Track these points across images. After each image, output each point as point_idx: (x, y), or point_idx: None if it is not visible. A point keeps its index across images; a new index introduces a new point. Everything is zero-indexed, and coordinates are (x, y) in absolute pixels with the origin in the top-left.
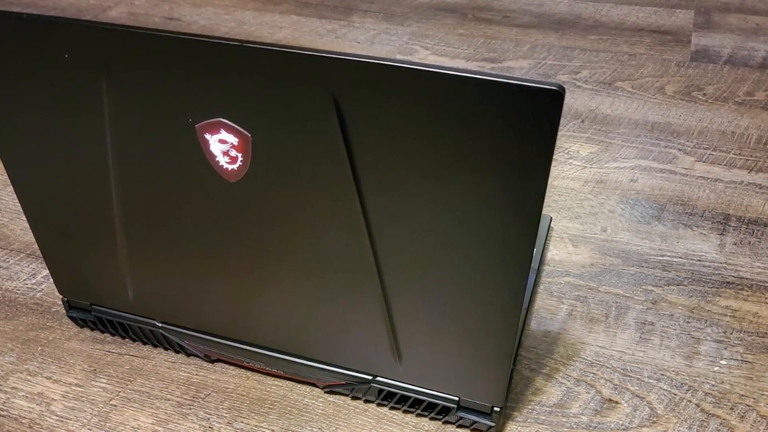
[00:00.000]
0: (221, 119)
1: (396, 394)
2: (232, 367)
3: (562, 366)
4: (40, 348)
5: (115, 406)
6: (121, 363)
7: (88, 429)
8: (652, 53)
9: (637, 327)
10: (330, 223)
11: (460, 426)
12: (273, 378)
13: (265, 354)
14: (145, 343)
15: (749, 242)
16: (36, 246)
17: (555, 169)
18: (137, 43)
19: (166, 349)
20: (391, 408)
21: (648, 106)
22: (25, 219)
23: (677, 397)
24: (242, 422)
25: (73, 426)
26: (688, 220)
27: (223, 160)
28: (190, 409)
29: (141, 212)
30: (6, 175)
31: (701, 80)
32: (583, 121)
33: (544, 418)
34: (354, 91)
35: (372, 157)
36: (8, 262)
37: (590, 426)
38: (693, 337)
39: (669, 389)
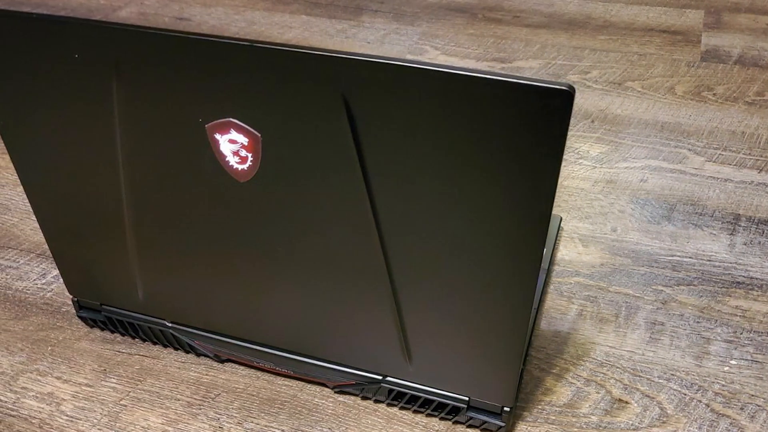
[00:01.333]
0: (231, 119)
1: (406, 394)
2: (242, 367)
3: (572, 366)
4: (50, 348)
5: (125, 406)
6: (131, 363)
7: (98, 429)
8: (662, 53)
9: (647, 327)
10: (340, 223)
11: (470, 426)
12: (283, 378)
13: (275, 354)
14: (155, 343)
15: (759, 242)
16: (46, 246)
17: (565, 169)
18: (147, 43)
19: (176, 349)
20: (401, 408)
21: (658, 106)
22: (35, 219)
23: (687, 397)
24: (252, 422)
25: (83, 426)
26: (698, 220)
27: (233, 160)
28: (200, 409)
29: (151, 212)
30: (16, 174)
31: (711, 80)
32: (593, 121)
33: (554, 418)
34: (364, 91)
35: (382, 157)
36: (18, 262)
37: (600, 426)
38: (703, 337)
39: (679, 389)
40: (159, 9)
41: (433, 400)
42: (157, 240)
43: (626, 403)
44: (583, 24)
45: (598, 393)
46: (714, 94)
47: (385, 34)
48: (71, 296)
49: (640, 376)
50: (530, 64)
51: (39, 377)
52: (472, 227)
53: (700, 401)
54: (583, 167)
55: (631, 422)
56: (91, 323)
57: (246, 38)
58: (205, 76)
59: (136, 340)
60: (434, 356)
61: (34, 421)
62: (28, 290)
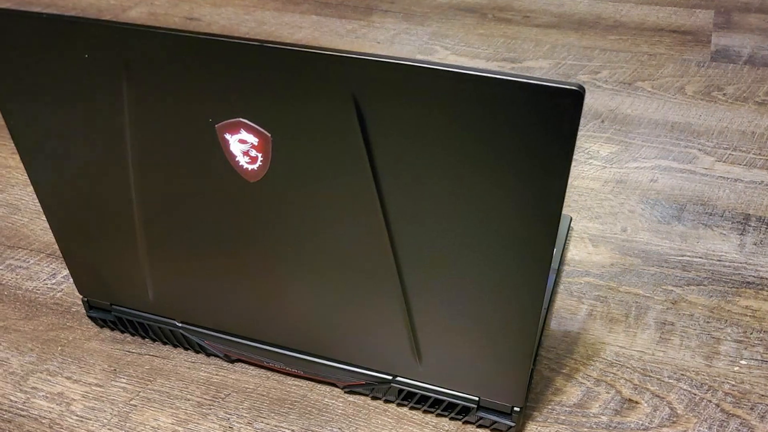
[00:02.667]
0: (241, 119)
1: (416, 394)
2: (252, 367)
3: (582, 366)
4: (60, 348)
5: (135, 406)
6: (141, 363)
7: (108, 429)
8: (672, 53)
9: (657, 327)
10: (350, 222)
11: (480, 426)
12: (293, 378)
13: (285, 354)
14: (165, 343)
15: None
16: (56, 246)
17: (575, 169)
18: (157, 43)
19: (186, 349)
20: (411, 408)
21: (668, 106)
22: (45, 219)
23: (697, 397)
24: (262, 422)
25: (93, 426)
26: (708, 220)
27: (243, 160)
28: (210, 409)
29: (161, 212)
30: (26, 174)
31: (721, 80)
32: (603, 121)
33: (564, 418)
34: (374, 91)
35: (392, 157)
36: (28, 262)
37: (610, 426)
38: (713, 337)
39: (689, 389)
40: (169, 9)
41: (443, 400)
42: (167, 240)
43: (636, 403)
44: (593, 24)
45: (608, 393)
46: (724, 94)
47: (395, 34)
48: (81, 296)
49: (650, 376)
50: (540, 64)
51: (49, 377)
52: (482, 227)
53: (710, 401)
54: (593, 167)
55: (641, 422)
56: (101, 323)
57: (256, 38)
58: (215, 76)
59: (146, 340)
60: (444, 356)
61: (44, 421)
62: (38, 290)
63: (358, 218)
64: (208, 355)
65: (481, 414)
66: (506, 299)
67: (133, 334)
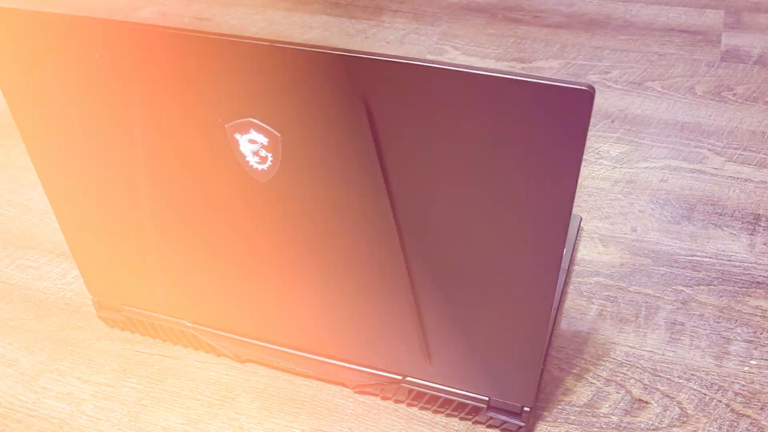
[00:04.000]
0: (251, 119)
1: (426, 394)
2: (262, 368)
3: (592, 366)
4: (70, 348)
5: (146, 406)
6: (152, 363)
7: (119, 429)
8: (682, 53)
9: (667, 327)
10: (360, 223)
11: (490, 426)
12: (303, 378)
13: (295, 354)
14: (175, 344)
15: None
16: (66, 246)
17: (585, 169)
18: (168, 42)
19: (196, 349)
20: (421, 408)
21: (678, 106)
22: (55, 219)
23: (707, 397)
24: (272, 422)
25: (103, 426)
26: (718, 220)
27: (252, 161)
28: (221, 409)
29: (171, 212)
30: (36, 175)
31: (731, 80)
32: (613, 121)
33: (574, 418)
34: (384, 91)
35: (402, 157)
36: (38, 262)
37: (620, 426)
38: (723, 337)
39: (699, 389)
40: (179, 9)
41: (453, 400)
42: (177, 240)
43: (646, 403)
44: (603, 24)
45: (618, 393)
46: (734, 94)
47: (404, 34)
48: (91, 296)
49: (660, 376)
50: (550, 64)
51: (59, 377)
52: (491, 227)
53: (720, 401)
54: (603, 167)
55: (651, 422)
56: (111, 323)
57: (266, 38)
58: (224, 76)
59: (156, 340)
60: (454, 356)
61: (54, 421)
62: (49, 290)
63: (367, 218)
64: (218, 355)
65: (491, 414)
66: (516, 299)
67: (143, 334)
